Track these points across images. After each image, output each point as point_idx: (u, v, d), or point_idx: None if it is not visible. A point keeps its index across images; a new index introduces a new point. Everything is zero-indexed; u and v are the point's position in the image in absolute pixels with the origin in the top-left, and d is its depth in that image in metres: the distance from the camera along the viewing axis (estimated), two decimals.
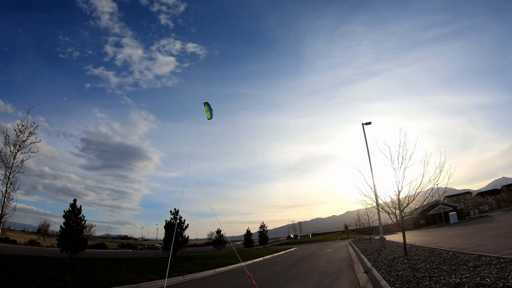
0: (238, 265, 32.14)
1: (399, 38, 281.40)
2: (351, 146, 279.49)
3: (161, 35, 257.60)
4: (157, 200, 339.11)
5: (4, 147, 22.82)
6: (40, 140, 25.15)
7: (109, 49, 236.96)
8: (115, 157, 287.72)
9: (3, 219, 22.72)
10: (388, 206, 22.64)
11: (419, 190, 20.72)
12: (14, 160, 22.90)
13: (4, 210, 22.12)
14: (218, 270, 28.34)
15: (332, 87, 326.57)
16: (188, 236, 38.88)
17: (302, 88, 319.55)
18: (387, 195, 22.77)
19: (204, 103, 14.16)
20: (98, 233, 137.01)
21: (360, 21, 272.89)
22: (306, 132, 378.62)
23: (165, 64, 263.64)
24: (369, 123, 35.26)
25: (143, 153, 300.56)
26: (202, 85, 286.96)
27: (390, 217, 23.00)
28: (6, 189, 22.14)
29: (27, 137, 23.81)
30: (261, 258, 41.25)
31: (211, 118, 14.19)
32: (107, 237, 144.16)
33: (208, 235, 79.81)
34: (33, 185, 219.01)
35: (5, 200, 22.08)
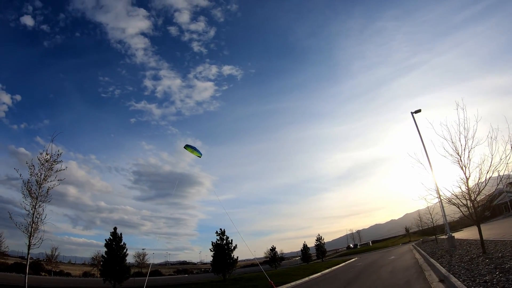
0: (292, 284, 29.12)
1: (432, 26, 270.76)
2: (400, 145, 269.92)
3: (196, 62, 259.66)
4: (213, 223, 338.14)
5: (30, 177, 21.84)
6: (66, 168, 23.88)
7: (148, 83, 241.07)
8: (167, 185, 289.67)
9: (31, 249, 21.48)
10: (458, 197, 19.03)
11: (491, 174, 17.16)
12: (40, 190, 21.80)
13: (31, 240, 21.15)
14: None
15: (371, 88, 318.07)
16: (237, 257, 35.88)
17: (341, 94, 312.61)
18: (453, 185, 19.26)
19: (185, 147, 12.57)
20: (157, 260, 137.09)
21: (389, 15, 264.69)
22: (352, 138, 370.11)
23: (204, 89, 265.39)
24: (419, 110, 31.60)
25: (194, 179, 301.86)
26: (242, 106, 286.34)
27: (460, 210, 19.37)
28: (32, 219, 21.22)
29: (51, 165, 22.69)
30: (319, 274, 37.55)
31: (201, 156, 12.59)
32: (166, 263, 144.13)
33: (264, 253, 76.42)
34: (91, 220, 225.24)
35: (32, 231, 21.11)
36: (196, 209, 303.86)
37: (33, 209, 21.49)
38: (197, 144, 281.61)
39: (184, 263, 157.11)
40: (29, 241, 21.27)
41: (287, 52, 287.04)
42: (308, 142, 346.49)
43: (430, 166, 24.18)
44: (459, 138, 18.13)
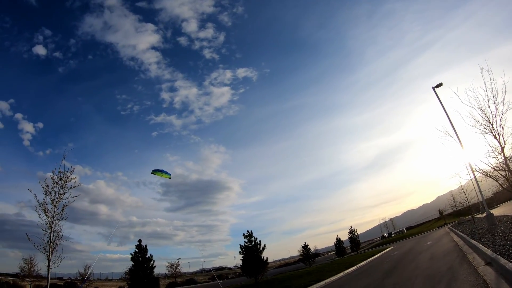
0: (326, 281, 27.47)
1: (440, 0, 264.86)
2: (425, 126, 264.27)
3: (210, 68, 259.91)
4: (245, 226, 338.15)
5: (45, 197, 21.77)
6: (81, 183, 24.13)
7: (165, 95, 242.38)
8: (195, 194, 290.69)
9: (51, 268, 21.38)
10: (495, 169, 17.22)
11: None
12: (55, 208, 21.83)
13: (50, 260, 21.05)
14: None
15: (387, 73, 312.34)
16: (267, 258, 34.19)
17: (358, 83, 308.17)
18: (488, 157, 17.47)
19: (153, 173, 11.82)
20: (192, 268, 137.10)
21: None
22: (375, 125, 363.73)
23: (221, 95, 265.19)
24: (440, 84, 29.59)
25: (222, 185, 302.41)
26: (261, 106, 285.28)
27: (498, 182, 17.56)
28: (50, 238, 21.17)
29: (64, 183, 22.54)
30: (354, 267, 35.75)
31: (170, 176, 11.79)
32: (202, 271, 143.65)
33: (298, 251, 74.70)
34: (125, 236, 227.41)
35: (50, 249, 21.00)
36: (227, 214, 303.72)
37: (50, 228, 21.28)
38: (220, 149, 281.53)
39: (219, 268, 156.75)
40: (48, 260, 20.99)
41: (298, 48, 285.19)
42: (330, 135, 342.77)
43: (459, 140, 22.37)
44: (488, 105, 16.40)
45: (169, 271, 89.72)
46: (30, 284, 62.88)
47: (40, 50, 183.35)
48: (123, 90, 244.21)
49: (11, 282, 63.24)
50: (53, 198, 21.98)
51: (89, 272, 58.97)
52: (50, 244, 21.14)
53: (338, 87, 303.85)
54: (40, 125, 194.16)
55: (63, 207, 22.26)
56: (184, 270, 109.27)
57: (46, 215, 21.52)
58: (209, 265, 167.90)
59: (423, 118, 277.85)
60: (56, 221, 21.77)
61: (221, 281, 73.16)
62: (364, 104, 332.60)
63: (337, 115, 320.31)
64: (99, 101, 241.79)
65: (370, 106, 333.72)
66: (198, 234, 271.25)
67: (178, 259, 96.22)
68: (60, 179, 22.48)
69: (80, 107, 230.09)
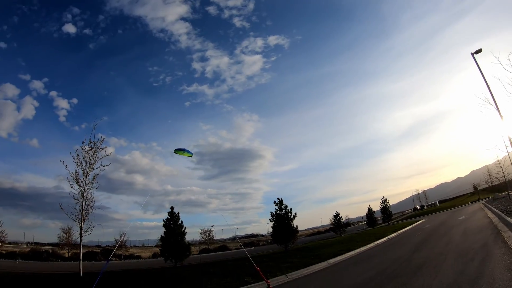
0: (356, 251, 27.28)
1: None
2: (462, 96, 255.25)
3: (241, 37, 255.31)
4: (278, 194, 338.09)
5: (76, 167, 22.68)
6: (111, 153, 24.90)
7: (196, 65, 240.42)
8: (229, 162, 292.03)
9: (84, 236, 22.51)
10: None
11: None
12: (86, 178, 22.70)
13: (82, 228, 22.00)
14: (332, 261, 23.41)
15: (424, 40, 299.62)
16: (297, 226, 34.24)
17: (393, 49, 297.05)
18: None
19: (175, 152, 11.45)
20: (226, 235, 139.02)
21: None
22: (410, 94, 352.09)
23: (253, 63, 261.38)
24: (479, 50, 28.12)
25: (255, 153, 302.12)
26: (293, 74, 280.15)
27: None
28: (82, 207, 21.88)
29: (94, 153, 23.61)
30: (385, 238, 35.47)
31: (192, 155, 11.43)
32: (234, 238, 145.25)
33: (330, 220, 74.41)
34: (160, 204, 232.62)
35: (82, 218, 21.83)
36: (260, 182, 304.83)
37: (82, 197, 22.06)
38: (253, 118, 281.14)
39: (251, 236, 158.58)
40: (80, 228, 21.92)
41: (331, 13, 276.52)
42: (365, 103, 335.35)
43: (498, 109, 21.53)
44: None
45: (202, 238, 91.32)
46: (68, 252, 65.76)
47: (69, 28, 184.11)
48: (154, 62, 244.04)
49: (51, 250, 65.99)
50: (84, 168, 22.70)
51: (123, 239, 60.53)
52: (82, 212, 21.92)
53: (373, 54, 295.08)
54: (75, 100, 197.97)
55: (94, 177, 23.06)
56: (218, 237, 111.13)
57: (78, 185, 22.30)
58: (241, 232, 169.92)
59: (462, 88, 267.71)
60: (88, 190, 22.57)
61: (252, 248, 74.12)
62: (399, 71, 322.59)
63: (371, 83, 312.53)
64: (131, 74, 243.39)
65: (405, 74, 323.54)
66: (232, 202, 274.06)
67: (211, 226, 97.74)
68: (91, 149, 23.26)
69: (113, 81, 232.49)
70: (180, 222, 30.63)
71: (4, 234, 67.15)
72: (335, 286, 14.05)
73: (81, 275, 20.46)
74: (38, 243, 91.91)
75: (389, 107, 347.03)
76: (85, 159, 22.92)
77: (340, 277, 16.43)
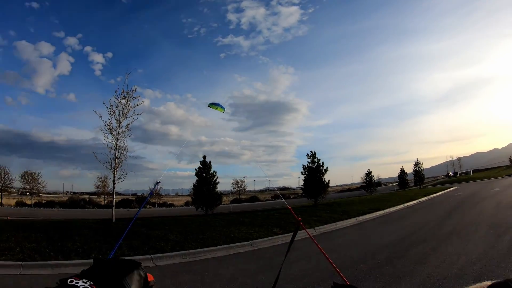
0: (386, 211, 27.18)
1: None
2: (507, 64, 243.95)
3: None
4: (310, 149, 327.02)
5: (110, 117, 23.07)
6: (143, 102, 25.49)
7: (231, 16, 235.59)
8: (263, 115, 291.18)
9: (116, 183, 23.44)
10: None
11: None
12: (119, 126, 23.08)
13: (115, 175, 22.68)
14: (360, 218, 23.37)
15: (468, 0, 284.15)
16: (328, 181, 34.00)
17: (436, 6, 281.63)
18: None
19: (209, 106, 11.10)
20: (258, 187, 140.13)
21: None
22: (451, 56, 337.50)
23: (290, 14, 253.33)
24: None
25: (290, 106, 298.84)
26: (331, 27, 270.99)
27: None
28: (115, 154, 22.56)
29: (127, 102, 23.79)
30: (415, 201, 35.05)
31: (224, 110, 11.11)
32: (266, 190, 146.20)
33: (361, 178, 73.74)
34: (194, 154, 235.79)
35: (115, 166, 22.43)
36: (294, 136, 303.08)
37: (115, 145, 22.53)
38: (289, 70, 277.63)
39: (283, 188, 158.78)
40: (114, 175, 22.51)
41: None
42: (403, 62, 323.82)
43: None
44: None
45: (234, 188, 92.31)
46: (104, 200, 67.71)
47: None
48: (188, 13, 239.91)
49: (88, 199, 68.73)
50: (117, 117, 22.95)
51: (156, 188, 61.90)
52: (115, 160, 22.34)
53: (414, 10, 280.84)
54: (110, 54, 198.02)
55: (127, 125, 23.37)
56: (249, 188, 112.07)
57: (111, 134, 22.66)
58: (273, 185, 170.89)
59: (506, 55, 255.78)
60: (121, 138, 22.94)
61: (283, 200, 74.64)
62: (442, 31, 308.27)
63: (411, 41, 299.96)
64: (166, 26, 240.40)
65: (448, 34, 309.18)
66: (265, 154, 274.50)
67: (244, 177, 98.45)
68: (124, 99, 23.35)
69: (147, 34, 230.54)
70: (212, 171, 30.81)
71: (43, 185, 69.91)
72: (362, 244, 13.98)
73: (114, 220, 21.09)
74: (76, 193, 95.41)
75: (428, 68, 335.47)
76: (118, 108, 23.19)
77: (367, 236, 16.40)
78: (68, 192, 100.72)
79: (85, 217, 27.28)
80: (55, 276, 10.87)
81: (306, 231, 2.84)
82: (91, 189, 72.76)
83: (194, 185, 30.75)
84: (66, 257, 12.46)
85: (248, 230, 18.09)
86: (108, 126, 22.69)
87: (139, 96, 24.09)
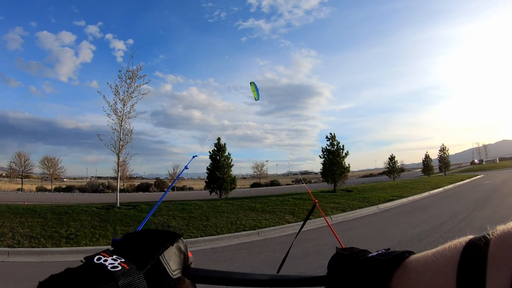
0: (409, 199, 25.34)
1: None
2: None
3: None
4: (334, 133, 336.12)
5: (114, 97, 21.78)
6: (150, 80, 23.98)
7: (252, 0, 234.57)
8: (286, 98, 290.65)
9: (123, 167, 24.12)
10: None
11: None
12: (124, 107, 21.76)
13: (119, 158, 21.59)
14: (382, 206, 21.52)
15: None
16: (349, 165, 31.72)
17: None
18: None
19: (250, 83, 9.85)
20: (280, 171, 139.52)
21: None
22: (479, 39, 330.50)
23: None
24: None
25: (313, 89, 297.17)
26: (355, 9, 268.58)
27: None
28: (119, 136, 21.26)
29: (131, 81, 22.22)
30: (440, 189, 32.91)
31: (258, 99, 9.78)
32: (288, 174, 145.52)
33: (384, 163, 71.31)
34: (215, 139, 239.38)
35: (120, 147, 21.23)
36: (317, 120, 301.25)
37: (120, 126, 21.33)
38: (312, 53, 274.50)
39: (305, 173, 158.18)
40: (118, 157, 21.38)
41: None
42: (429, 45, 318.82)
43: None
44: None
45: (254, 172, 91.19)
46: (123, 184, 67.67)
47: None
48: None
49: (107, 183, 67.79)
50: (122, 97, 21.78)
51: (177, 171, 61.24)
52: (120, 142, 21.17)
53: None
54: (131, 41, 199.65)
55: (132, 105, 22.12)
56: (272, 172, 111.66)
57: (116, 114, 21.46)
58: (296, 169, 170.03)
59: None
60: (126, 119, 21.73)
61: (303, 184, 73.05)
62: (470, 13, 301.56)
63: (438, 23, 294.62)
64: (186, 11, 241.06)
65: (476, 16, 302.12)
66: (287, 138, 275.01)
67: (266, 161, 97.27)
68: (129, 78, 21.99)
69: (168, 20, 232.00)
70: (227, 153, 29.33)
71: (63, 170, 71.42)
72: (382, 238, 12.08)
73: (118, 205, 19.84)
74: (101, 177, 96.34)
75: (453, 52, 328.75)
76: (123, 88, 21.97)
77: (388, 227, 14.36)
78: (93, 177, 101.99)
79: (96, 202, 26.14)
80: (40, 264, 9.82)
81: (322, 214, 2.78)
82: (111, 173, 73.16)
83: (207, 168, 29.25)
84: (57, 244, 11.92)
85: (258, 217, 16.52)
86: (112, 107, 21.50)
87: (145, 75, 22.56)
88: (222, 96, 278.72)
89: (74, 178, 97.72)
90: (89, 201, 30.83)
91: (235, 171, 30.44)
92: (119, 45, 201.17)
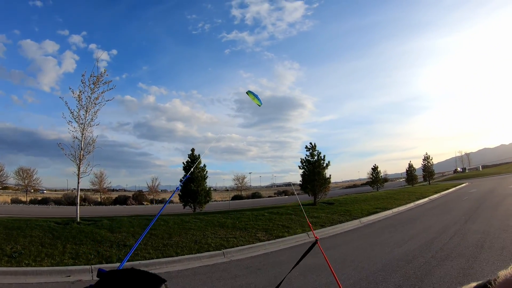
0: (394, 210, 23.94)
1: None
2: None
3: None
4: (317, 145, 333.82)
5: (77, 103, 20.07)
6: (115, 86, 21.80)
7: (235, 12, 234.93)
8: (269, 111, 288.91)
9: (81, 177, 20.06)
10: None
11: None
12: (87, 114, 20.07)
13: (80, 171, 19.59)
14: (364, 220, 19.94)
15: None
16: (330, 176, 29.96)
17: (443, 1, 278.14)
18: None
19: (247, 93, 8.09)
20: (264, 183, 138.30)
21: None
22: (459, 50, 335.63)
23: (294, 10, 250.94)
24: None
25: (296, 102, 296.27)
26: (337, 22, 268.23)
27: None
28: (80, 145, 19.54)
29: (94, 86, 20.57)
30: (426, 199, 31.60)
31: (261, 104, 8.09)
32: (272, 185, 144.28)
33: (368, 174, 70.00)
34: (200, 151, 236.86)
35: (80, 157, 19.39)
36: (300, 132, 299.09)
37: (82, 134, 19.66)
38: (294, 66, 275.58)
39: (288, 184, 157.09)
40: (78, 168, 19.49)
41: None
42: (410, 57, 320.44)
43: None
44: None
45: (236, 184, 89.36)
46: (100, 197, 66.74)
47: None
48: (192, 10, 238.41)
49: (83, 195, 65.36)
50: (84, 103, 20.17)
51: (157, 184, 60.23)
52: (81, 151, 19.49)
53: (422, 3, 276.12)
54: (114, 52, 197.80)
55: (95, 112, 20.50)
56: (256, 184, 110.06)
57: (77, 122, 19.74)
58: (279, 181, 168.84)
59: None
60: (88, 127, 20.10)
61: (286, 196, 71.62)
62: (450, 24, 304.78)
63: (418, 36, 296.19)
64: (170, 23, 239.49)
65: (457, 27, 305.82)
66: (271, 150, 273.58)
67: (249, 173, 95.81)
68: (93, 83, 20.41)
69: (152, 31, 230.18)
70: (202, 165, 27.58)
71: (39, 182, 69.14)
72: (364, 259, 10.30)
73: (78, 220, 17.99)
74: (83, 189, 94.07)
75: (434, 63, 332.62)
76: (86, 93, 20.31)
77: (371, 246, 12.51)
78: (74, 189, 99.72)
79: (62, 215, 24.16)
80: None
81: (313, 232, 2.88)
82: (91, 185, 71.10)
83: (181, 180, 27.35)
84: None
85: (227, 235, 14.73)
86: (76, 115, 19.80)
87: (111, 80, 20.90)
88: (205, 108, 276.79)
89: (56, 190, 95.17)
90: (55, 214, 28.44)
91: (218, 183, 28.75)
92: (103, 55, 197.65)
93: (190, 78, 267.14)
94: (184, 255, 11.75)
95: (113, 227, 15.81)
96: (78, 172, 19.34)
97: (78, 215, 18.50)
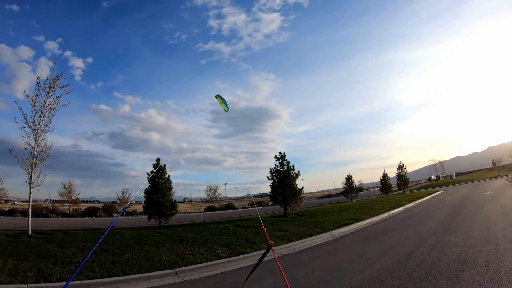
0: (367, 221, 22.84)
1: None
2: (487, 70, 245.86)
3: None
4: (293, 155, 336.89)
5: (32, 108, 19.11)
6: (72, 90, 20.67)
7: (212, 22, 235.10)
8: (245, 121, 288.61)
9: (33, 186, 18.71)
10: None
11: None
12: (41, 119, 19.03)
13: (31, 180, 18.38)
14: (336, 232, 18.67)
15: (450, 6, 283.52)
16: (302, 187, 28.63)
17: (418, 14, 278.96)
18: None
19: (215, 96, 6.92)
20: (239, 194, 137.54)
21: None
22: (433, 62, 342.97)
23: (271, 21, 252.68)
24: None
25: (272, 112, 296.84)
26: (313, 34, 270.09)
27: None
28: (33, 153, 18.50)
29: (50, 89, 19.59)
30: (401, 208, 30.70)
31: (228, 110, 6.96)
32: (247, 196, 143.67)
33: (342, 183, 69.41)
34: (176, 161, 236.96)
35: (32, 165, 18.37)
36: (276, 142, 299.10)
37: (35, 141, 18.68)
38: (270, 77, 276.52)
39: (264, 195, 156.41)
40: (30, 177, 18.29)
41: None
42: (385, 69, 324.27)
43: None
44: None
45: (208, 195, 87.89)
46: (69, 208, 64.34)
47: None
48: (170, 19, 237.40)
49: (51, 207, 64.34)
50: (39, 108, 19.15)
51: (127, 195, 58.58)
52: (34, 159, 18.40)
53: (397, 17, 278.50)
54: (90, 60, 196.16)
55: (50, 118, 19.48)
56: (231, 194, 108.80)
57: (29, 127, 18.66)
58: (255, 191, 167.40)
59: (486, 61, 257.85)
60: (41, 133, 19.00)
61: (260, 207, 70.45)
62: (424, 37, 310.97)
63: (394, 48, 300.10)
64: (147, 32, 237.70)
65: (431, 41, 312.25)
66: (246, 160, 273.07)
67: (225, 184, 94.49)
68: (49, 87, 19.41)
69: (128, 40, 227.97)
70: (167, 176, 26.20)
71: (5, 192, 66.61)
72: (330, 280, 8.95)
73: (30, 233, 16.69)
74: (56, 201, 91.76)
75: (410, 74, 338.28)
76: (41, 97, 19.18)
77: (341, 263, 11.14)
78: (47, 200, 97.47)
79: (19, 227, 23.17)
80: None
81: (269, 240, 2.90)
82: (59, 196, 68.81)
83: (145, 191, 25.75)
84: None
85: (184, 251, 13.30)
86: (30, 120, 18.75)
87: (68, 84, 19.90)
88: (181, 118, 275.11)
89: (27, 201, 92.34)
90: (15, 226, 28.06)
91: (194, 194, 27.38)
92: (78, 63, 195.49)
93: (166, 87, 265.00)
94: (132, 274, 10.31)
95: (64, 242, 14.32)
96: (30, 181, 18.05)
97: (30, 227, 17.27)
